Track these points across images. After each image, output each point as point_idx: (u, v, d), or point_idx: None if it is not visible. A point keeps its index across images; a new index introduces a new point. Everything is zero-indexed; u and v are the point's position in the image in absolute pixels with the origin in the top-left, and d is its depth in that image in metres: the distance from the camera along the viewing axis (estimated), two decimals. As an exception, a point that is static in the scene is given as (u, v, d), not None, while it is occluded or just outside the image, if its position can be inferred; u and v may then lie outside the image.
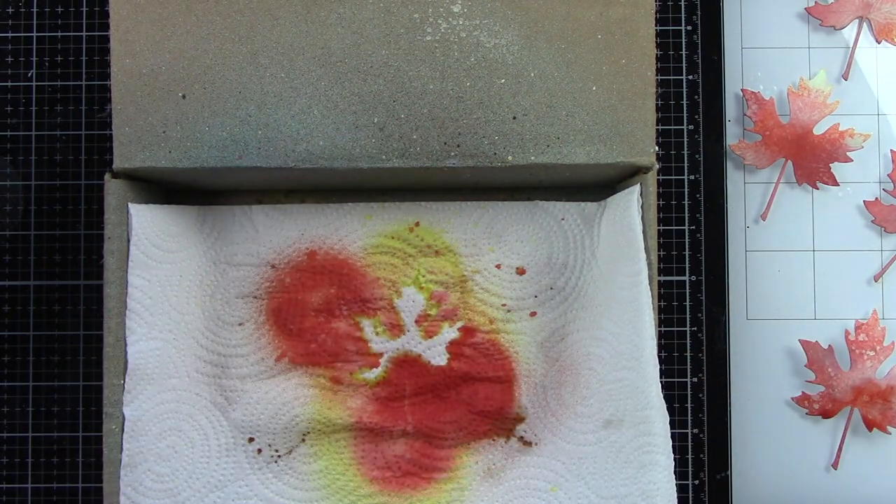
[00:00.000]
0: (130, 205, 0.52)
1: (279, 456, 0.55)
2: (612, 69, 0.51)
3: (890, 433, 0.59)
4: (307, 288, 0.56)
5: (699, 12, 0.61)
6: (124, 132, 0.51)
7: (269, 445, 0.55)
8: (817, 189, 0.61)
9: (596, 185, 0.57)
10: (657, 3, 0.60)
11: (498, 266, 0.57)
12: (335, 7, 0.51)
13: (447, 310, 0.57)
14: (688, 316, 0.60)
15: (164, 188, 0.57)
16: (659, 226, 0.59)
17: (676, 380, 0.60)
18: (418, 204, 0.57)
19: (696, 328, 0.60)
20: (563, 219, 0.56)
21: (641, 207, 0.52)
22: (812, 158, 0.61)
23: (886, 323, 0.60)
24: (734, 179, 0.61)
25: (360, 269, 0.57)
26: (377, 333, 0.57)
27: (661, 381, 0.51)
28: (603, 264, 0.55)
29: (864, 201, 0.61)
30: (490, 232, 0.57)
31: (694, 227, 0.60)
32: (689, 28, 0.61)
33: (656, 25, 0.59)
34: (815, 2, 0.62)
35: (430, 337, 0.57)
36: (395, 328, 0.57)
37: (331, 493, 0.55)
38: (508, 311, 0.57)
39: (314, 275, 0.56)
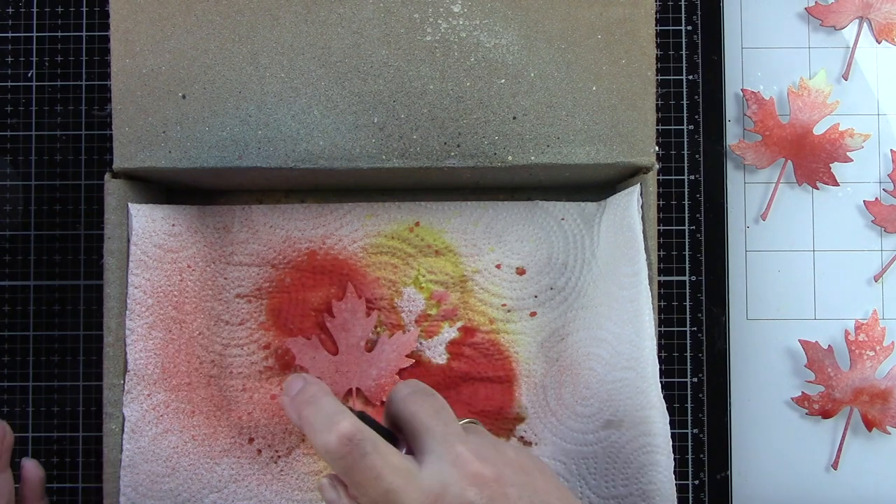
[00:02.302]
0: (130, 205, 0.52)
1: (279, 456, 0.55)
2: (612, 69, 0.51)
3: (890, 433, 0.59)
4: (307, 288, 0.56)
5: (699, 12, 0.61)
6: (124, 132, 0.51)
7: (269, 446, 0.55)
8: (817, 189, 0.61)
9: (596, 185, 0.57)
10: (657, 3, 0.60)
11: (498, 266, 0.57)
12: (335, 7, 0.51)
13: (447, 310, 0.57)
14: (688, 316, 0.60)
15: (164, 188, 0.57)
16: (659, 226, 0.59)
17: (676, 380, 0.60)
18: (418, 204, 0.57)
19: (696, 328, 0.60)
20: (563, 219, 0.56)
21: (641, 207, 0.52)
22: (812, 158, 0.61)
23: (886, 323, 0.60)
24: (734, 179, 0.61)
25: (360, 269, 0.57)
26: (377, 333, 0.57)
27: (661, 381, 0.51)
28: (603, 264, 0.55)
29: (864, 201, 0.61)
30: (490, 232, 0.57)
31: (694, 227, 0.60)
32: (689, 28, 0.61)
33: (656, 25, 0.59)
34: (816, 2, 0.62)
35: (430, 337, 0.57)
36: (396, 328, 0.57)
37: (331, 493, 0.55)
38: (508, 311, 0.57)
39: (314, 275, 0.56)
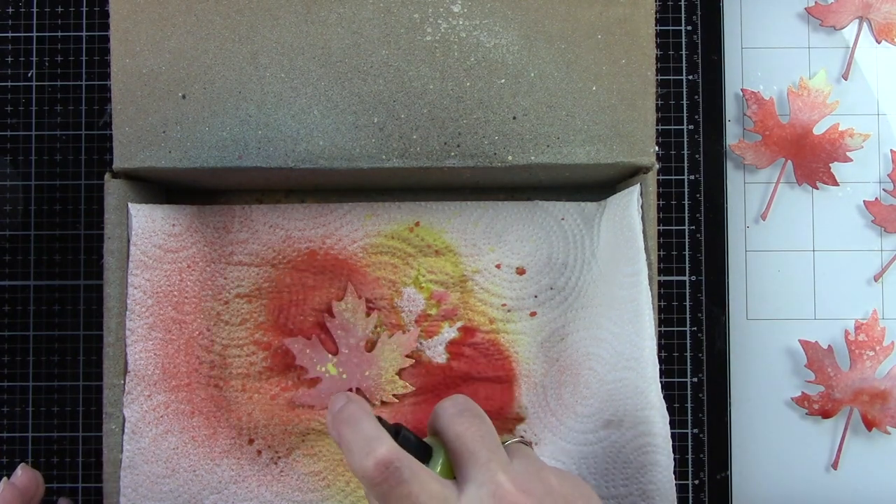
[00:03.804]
0: (130, 205, 0.52)
1: (279, 457, 0.55)
2: (612, 69, 0.51)
3: (890, 433, 0.59)
4: (307, 288, 0.56)
5: (699, 12, 0.61)
6: (124, 132, 0.51)
7: (269, 447, 0.55)
8: (817, 189, 0.61)
9: (596, 185, 0.57)
10: (657, 3, 0.60)
11: (498, 266, 0.57)
12: (335, 7, 0.51)
13: (447, 310, 0.57)
14: (688, 316, 0.60)
15: (164, 188, 0.57)
16: (659, 226, 0.59)
17: (676, 380, 0.60)
18: (418, 204, 0.57)
19: (696, 328, 0.60)
20: (563, 219, 0.56)
21: (641, 207, 0.52)
22: (812, 158, 0.61)
23: (886, 323, 0.60)
24: (734, 179, 0.61)
25: (360, 269, 0.57)
26: (377, 333, 0.57)
27: (661, 381, 0.51)
28: (603, 264, 0.55)
29: (864, 201, 0.61)
30: (490, 232, 0.57)
31: (694, 227, 0.60)
32: (689, 28, 0.61)
33: (656, 25, 0.59)
34: (815, 2, 0.62)
35: (430, 337, 0.57)
36: (396, 328, 0.57)
37: (331, 495, 0.55)
38: (508, 311, 0.57)
39: (314, 275, 0.56)
